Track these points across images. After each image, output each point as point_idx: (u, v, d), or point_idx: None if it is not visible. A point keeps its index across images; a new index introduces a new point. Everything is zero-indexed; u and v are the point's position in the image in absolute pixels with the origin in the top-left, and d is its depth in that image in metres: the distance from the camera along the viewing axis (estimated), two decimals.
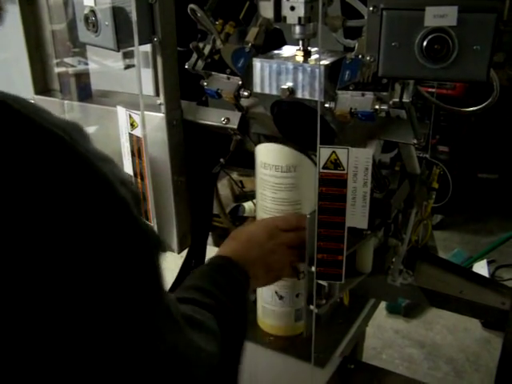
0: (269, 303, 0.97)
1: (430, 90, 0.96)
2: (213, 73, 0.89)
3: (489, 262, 2.43)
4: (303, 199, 0.88)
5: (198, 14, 0.87)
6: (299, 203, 0.87)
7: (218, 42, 0.89)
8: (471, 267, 2.34)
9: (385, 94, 0.75)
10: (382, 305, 2.17)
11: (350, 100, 0.77)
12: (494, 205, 2.91)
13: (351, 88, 0.77)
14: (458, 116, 2.50)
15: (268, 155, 0.87)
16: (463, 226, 2.87)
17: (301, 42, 0.84)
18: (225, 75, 0.88)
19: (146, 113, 0.81)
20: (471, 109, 0.91)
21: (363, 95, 0.76)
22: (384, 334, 2.17)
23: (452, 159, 2.51)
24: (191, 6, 0.86)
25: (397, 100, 0.75)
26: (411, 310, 2.25)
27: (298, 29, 0.83)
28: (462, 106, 0.94)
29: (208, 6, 0.88)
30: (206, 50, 0.90)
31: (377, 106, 0.75)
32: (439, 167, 1.05)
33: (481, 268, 2.35)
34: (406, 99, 0.75)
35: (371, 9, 0.67)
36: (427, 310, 2.27)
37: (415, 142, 0.82)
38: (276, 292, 0.95)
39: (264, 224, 0.85)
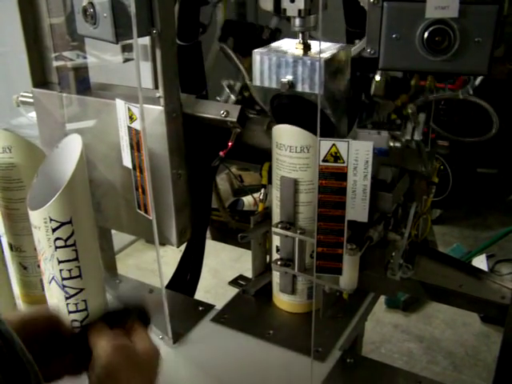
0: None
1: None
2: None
3: (488, 257, 2.43)
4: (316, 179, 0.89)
5: (228, 51, 0.92)
6: (313, 183, 0.88)
7: (246, 79, 0.96)
8: (470, 262, 2.34)
9: (398, 132, 0.83)
10: (381, 299, 2.17)
11: (368, 137, 0.83)
12: (493, 199, 2.91)
13: (369, 127, 0.84)
14: (458, 110, 2.49)
15: (283, 136, 0.89)
16: (462, 221, 2.87)
17: (301, 35, 0.84)
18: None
19: (145, 106, 0.81)
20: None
21: (379, 133, 0.82)
22: (383, 329, 2.18)
23: (451, 154, 2.51)
24: (221, 45, 0.99)
25: (409, 138, 0.84)
26: (410, 304, 2.26)
27: (297, 21, 0.82)
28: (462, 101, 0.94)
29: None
30: (237, 87, 0.98)
31: (391, 144, 0.83)
32: (439, 161, 1.05)
33: (480, 262, 2.35)
34: (417, 137, 0.85)
35: (372, 0, 0.66)
36: (426, 304, 2.27)
37: (423, 169, 0.94)
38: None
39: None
